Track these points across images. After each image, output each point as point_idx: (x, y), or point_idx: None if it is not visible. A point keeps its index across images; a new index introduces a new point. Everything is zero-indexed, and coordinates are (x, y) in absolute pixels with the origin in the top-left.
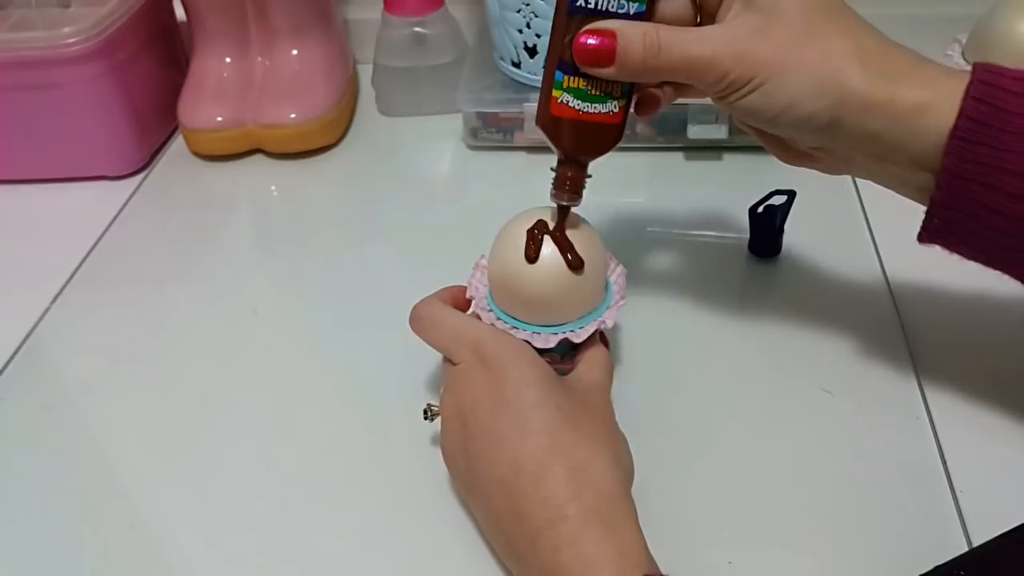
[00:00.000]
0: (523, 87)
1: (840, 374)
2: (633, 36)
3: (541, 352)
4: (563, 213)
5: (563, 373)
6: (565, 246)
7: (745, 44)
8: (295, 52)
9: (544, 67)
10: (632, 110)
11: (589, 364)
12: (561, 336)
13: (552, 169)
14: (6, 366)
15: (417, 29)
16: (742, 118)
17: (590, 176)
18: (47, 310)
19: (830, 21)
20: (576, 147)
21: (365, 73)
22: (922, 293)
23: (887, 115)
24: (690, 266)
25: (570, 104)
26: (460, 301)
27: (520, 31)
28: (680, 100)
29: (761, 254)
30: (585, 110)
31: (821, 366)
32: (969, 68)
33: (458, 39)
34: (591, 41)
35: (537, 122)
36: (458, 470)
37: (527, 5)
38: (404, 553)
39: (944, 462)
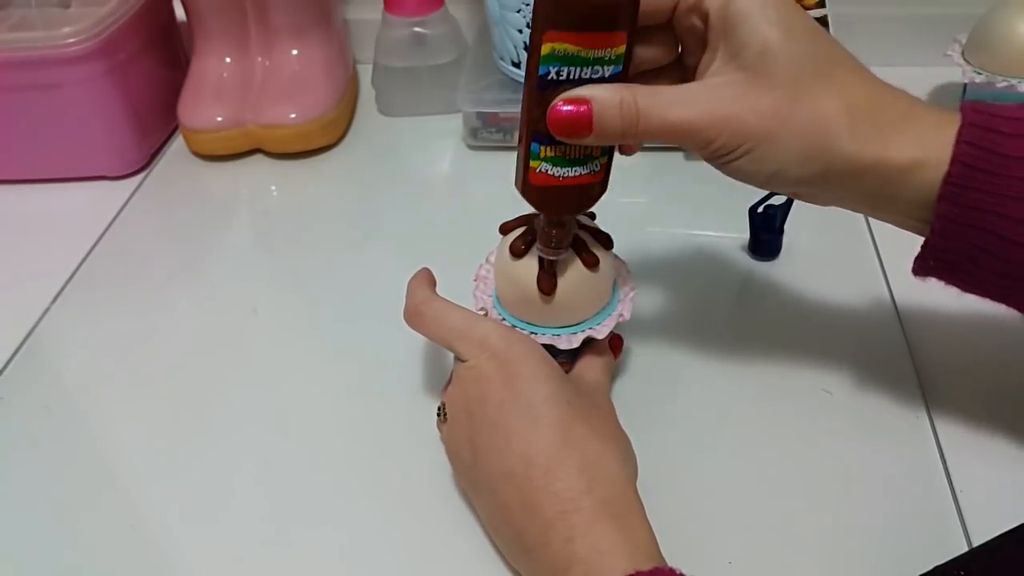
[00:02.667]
0: (523, 87)
1: (840, 374)
2: (610, 104)
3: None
4: (549, 265)
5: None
6: (579, 245)
7: (729, 110)
8: (295, 52)
9: (519, 135)
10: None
11: (588, 366)
12: (584, 334)
13: (536, 225)
14: (6, 366)
15: (417, 29)
16: (735, 178)
17: (576, 229)
18: (47, 310)
19: (819, 78)
20: (559, 210)
21: (365, 73)
22: (922, 293)
23: (877, 176)
24: (690, 266)
25: (549, 172)
26: (431, 280)
27: (520, 31)
28: None
29: (761, 254)
30: (565, 175)
31: (821, 366)
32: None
33: (458, 39)
34: (566, 109)
35: (517, 187)
36: (463, 464)
37: (527, 5)
38: (407, 550)
39: (944, 462)
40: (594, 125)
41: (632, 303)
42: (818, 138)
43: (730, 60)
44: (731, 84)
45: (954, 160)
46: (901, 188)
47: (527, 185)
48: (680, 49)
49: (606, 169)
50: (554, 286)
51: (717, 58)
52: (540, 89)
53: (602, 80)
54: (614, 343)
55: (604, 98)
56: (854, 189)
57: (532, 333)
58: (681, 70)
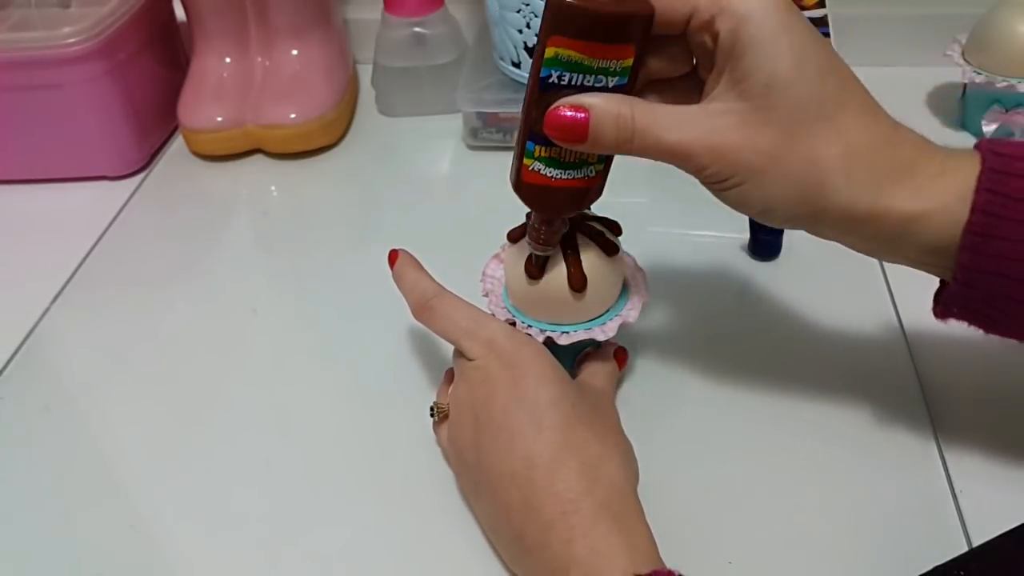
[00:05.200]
0: (523, 87)
1: (840, 374)
2: (606, 116)
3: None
4: (538, 261)
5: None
6: (594, 234)
7: (724, 139)
8: (295, 52)
9: (518, 131)
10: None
11: (593, 372)
12: (586, 333)
13: (526, 216)
14: (6, 366)
15: (417, 29)
16: (728, 206)
17: (567, 227)
18: (47, 310)
19: (821, 120)
20: (550, 211)
21: (365, 73)
22: (922, 292)
23: (875, 226)
24: (690, 266)
25: (542, 172)
26: (419, 264)
27: (520, 31)
28: None
29: (761, 254)
30: (558, 177)
31: (821, 366)
32: (970, 147)
33: (458, 39)
34: (564, 114)
35: (511, 183)
36: (466, 464)
37: (527, 5)
38: (406, 549)
39: (944, 462)
40: (589, 134)
41: (639, 310)
42: (810, 183)
43: (734, 86)
44: (730, 113)
45: (975, 209)
46: (904, 238)
47: (519, 182)
48: (695, 62)
49: (602, 176)
50: (541, 269)
51: (721, 82)
52: (541, 90)
53: (604, 90)
54: (618, 355)
55: (602, 109)
56: (852, 234)
57: (564, 333)
58: (695, 82)
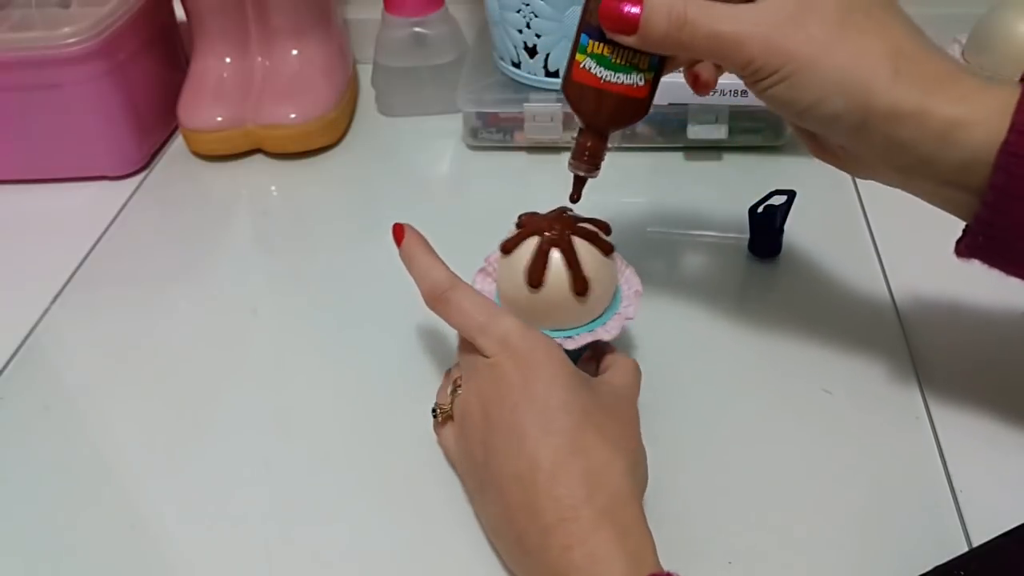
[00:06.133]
0: (523, 87)
1: (840, 374)
2: (659, 6)
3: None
4: (579, 184)
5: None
6: (590, 236)
7: (775, 31)
8: (295, 52)
9: (576, 31)
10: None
11: (621, 371)
12: (592, 335)
13: (573, 137)
14: (6, 366)
15: (417, 29)
16: (771, 108)
17: (611, 148)
18: (47, 310)
19: (869, 17)
20: (596, 117)
21: (365, 73)
22: (922, 293)
23: (917, 127)
24: (690, 266)
25: (592, 71)
26: (430, 247)
27: (520, 31)
28: (680, 100)
29: (761, 254)
30: (607, 79)
31: (821, 366)
32: (1014, 77)
33: (458, 39)
34: (618, 4)
35: (561, 86)
36: (474, 462)
37: (527, 5)
38: (406, 550)
39: (944, 462)
40: (641, 24)
41: (637, 304)
42: (860, 75)
43: None
44: (782, 8)
45: (1013, 128)
46: (941, 146)
47: (569, 81)
48: None
49: (650, 88)
50: (540, 277)
51: None
52: None
53: None
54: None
55: (656, 0)
56: (892, 141)
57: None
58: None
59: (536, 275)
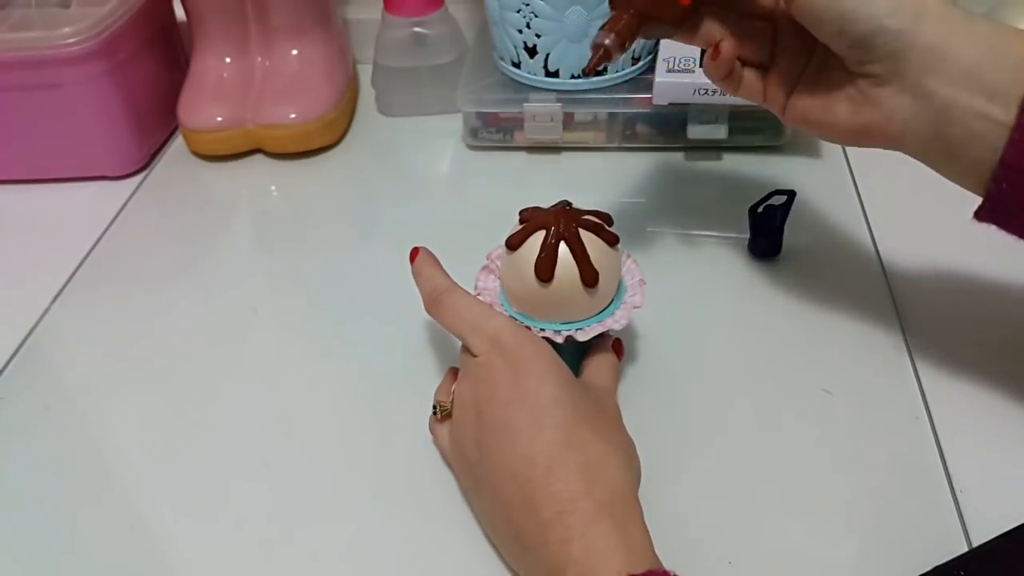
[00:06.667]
0: (523, 87)
1: (840, 374)
2: None
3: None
4: (599, 56)
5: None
6: (595, 228)
7: None
8: (295, 52)
9: None
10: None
11: (595, 369)
12: (602, 325)
13: (610, 5)
14: (6, 366)
15: (417, 29)
16: (808, 20)
17: (638, 38)
18: (47, 310)
19: None
20: None
21: (365, 73)
22: (922, 293)
23: (967, 36)
24: (690, 266)
25: None
26: (438, 262)
27: (520, 31)
28: (680, 100)
29: (761, 254)
30: None
31: (821, 366)
32: None
33: (458, 39)
34: None
35: None
36: (468, 461)
37: (527, 5)
38: (406, 549)
39: (944, 462)
40: None
41: (642, 292)
42: None
43: None
44: None
45: None
46: (984, 67)
47: None
48: None
49: None
50: (551, 271)
51: None
52: None
53: None
54: (615, 347)
55: None
56: (926, 87)
57: (557, 331)
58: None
59: (546, 269)
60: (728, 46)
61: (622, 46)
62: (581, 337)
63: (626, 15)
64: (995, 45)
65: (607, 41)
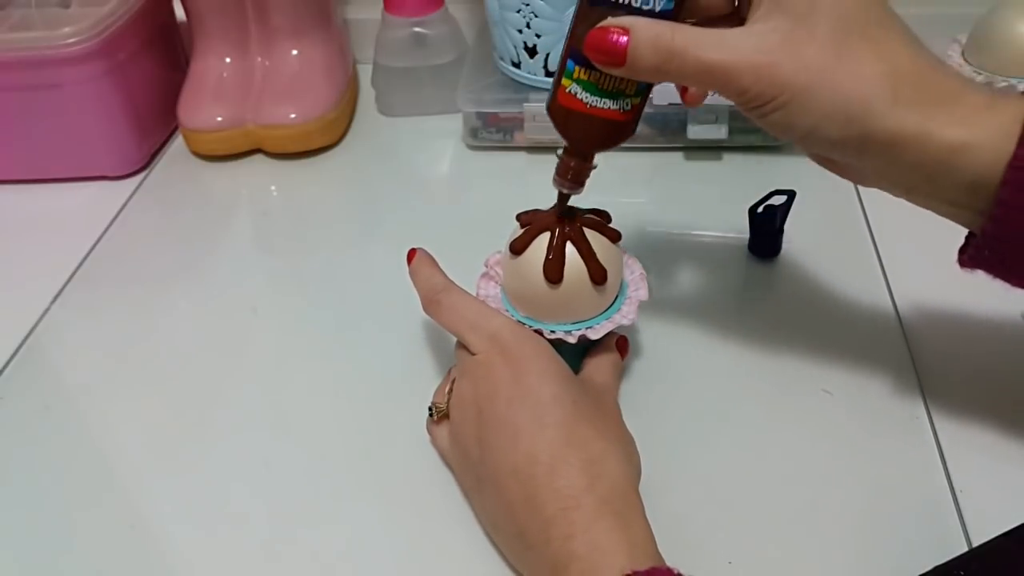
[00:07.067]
0: (523, 87)
1: (840, 374)
2: (646, 37)
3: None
4: (562, 200)
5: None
6: (602, 228)
7: (767, 58)
8: (295, 52)
9: (561, 54)
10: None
11: (596, 367)
12: (611, 323)
13: (557, 155)
14: (6, 366)
15: (417, 29)
16: (769, 133)
17: (595, 167)
18: (47, 310)
19: (865, 38)
20: (580, 140)
21: (365, 73)
22: (922, 292)
23: (919, 151)
24: (690, 266)
25: (578, 96)
26: (435, 262)
27: (520, 31)
28: (679, 100)
29: (761, 254)
30: (593, 104)
31: (821, 366)
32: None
33: (458, 39)
34: (605, 35)
35: (546, 107)
36: (469, 459)
37: (527, 5)
38: (407, 549)
39: (944, 462)
40: (628, 56)
41: (646, 287)
42: (857, 100)
43: (776, 7)
44: (774, 31)
45: (1021, 142)
46: (945, 169)
47: (555, 104)
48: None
49: (636, 112)
50: (560, 272)
51: (764, 3)
52: (589, 4)
53: (650, 14)
54: (620, 344)
55: (642, 29)
56: (894, 164)
57: (567, 332)
58: (741, 22)
59: (555, 270)
60: (695, 89)
61: (581, 184)
62: (593, 336)
63: (575, 159)
64: (950, 159)
65: (565, 190)
